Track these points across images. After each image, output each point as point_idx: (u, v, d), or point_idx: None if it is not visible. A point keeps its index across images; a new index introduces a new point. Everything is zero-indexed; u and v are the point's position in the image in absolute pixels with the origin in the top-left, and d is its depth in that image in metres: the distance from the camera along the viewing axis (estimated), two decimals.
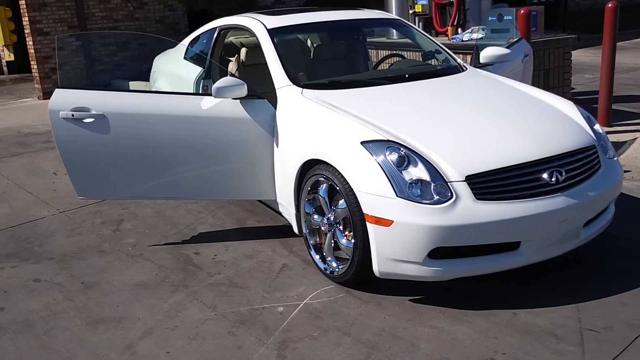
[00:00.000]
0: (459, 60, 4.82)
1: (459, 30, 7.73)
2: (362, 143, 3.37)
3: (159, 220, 4.80)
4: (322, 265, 3.72)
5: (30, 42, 11.29)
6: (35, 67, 11.46)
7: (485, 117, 3.71)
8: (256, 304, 3.49)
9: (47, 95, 11.11)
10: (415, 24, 8.56)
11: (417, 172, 3.23)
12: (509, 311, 3.28)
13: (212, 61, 5.13)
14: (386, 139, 3.36)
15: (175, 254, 4.19)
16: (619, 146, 6.02)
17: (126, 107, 4.02)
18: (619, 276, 3.57)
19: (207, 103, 4.04)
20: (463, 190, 3.20)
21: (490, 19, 7.21)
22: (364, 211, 3.29)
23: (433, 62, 4.97)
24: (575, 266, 3.70)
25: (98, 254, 4.26)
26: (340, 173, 3.42)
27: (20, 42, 12.42)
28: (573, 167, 3.46)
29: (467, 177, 3.22)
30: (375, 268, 3.34)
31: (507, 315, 3.24)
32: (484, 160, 3.29)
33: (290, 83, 4.12)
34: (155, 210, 4.99)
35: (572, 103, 4.03)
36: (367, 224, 3.28)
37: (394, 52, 6.20)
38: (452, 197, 3.18)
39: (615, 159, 3.83)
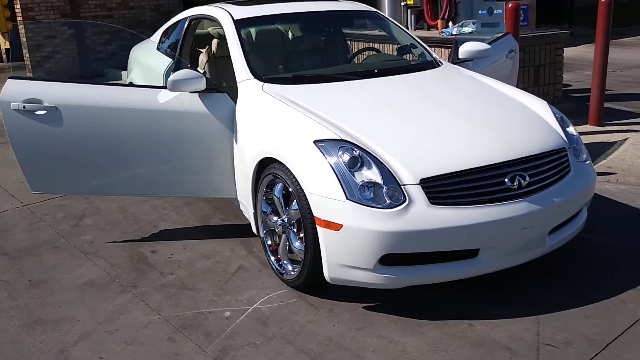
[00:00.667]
0: (434, 56, 4.63)
1: (450, 23, 7.52)
2: (315, 142, 3.20)
3: (121, 216, 4.66)
4: (277, 268, 3.57)
5: (22, 30, 11.17)
6: (27, 55, 11.34)
7: (450, 117, 3.53)
8: (203, 307, 3.33)
9: None
10: (407, 17, 8.37)
11: (370, 174, 3.06)
12: (466, 322, 3.11)
13: (177, 54, 4.96)
14: (340, 138, 3.19)
15: (131, 252, 4.04)
16: (608, 147, 5.81)
17: (79, 99, 3.87)
18: (587, 287, 3.38)
19: (165, 96, 3.88)
20: (417, 194, 3.02)
21: (480, 12, 6.99)
22: (314, 214, 3.12)
23: (409, 56, 4.78)
24: (541, 275, 3.52)
25: (52, 250, 4.13)
26: (292, 173, 3.26)
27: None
28: (539, 171, 3.28)
29: (421, 180, 3.04)
30: (326, 273, 3.17)
31: (462, 327, 3.07)
32: (440, 163, 3.11)
33: (252, 77, 3.95)
34: (120, 205, 4.85)
35: (545, 103, 3.84)
36: (317, 227, 3.12)
37: (369, 45, 6.00)
38: (405, 201, 3.00)
39: (588, 162, 3.63)
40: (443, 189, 3.06)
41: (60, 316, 3.31)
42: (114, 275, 3.74)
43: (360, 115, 3.52)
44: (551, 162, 3.36)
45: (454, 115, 3.54)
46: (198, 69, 5.01)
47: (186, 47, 5.07)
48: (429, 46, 5.10)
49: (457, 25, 7.26)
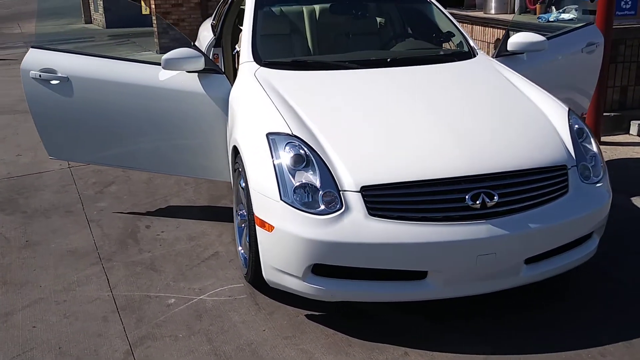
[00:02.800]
0: (472, 45, 4.14)
1: (552, 8, 6.75)
2: (267, 134, 3.01)
3: (144, 187, 4.78)
4: (241, 260, 3.45)
5: None
6: (154, 22, 12.02)
7: (431, 120, 3.13)
8: (154, 291, 3.31)
9: (163, 49, 11.60)
10: None
11: (309, 176, 2.81)
12: (402, 349, 2.79)
13: (218, 30, 4.91)
14: (291, 133, 2.96)
15: (128, 224, 4.13)
16: None
17: (88, 71, 3.96)
18: (574, 332, 2.88)
19: (165, 74, 3.86)
20: (356, 202, 2.73)
21: None
22: (254, 211, 2.95)
23: (449, 44, 4.33)
24: (524, 309, 3.05)
25: (64, 214, 4.34)
26: (244, 165, 3.10)
27: None
28: (515, 190, 2.82)
29: (362, 188, 2.74)
30: (264, 274, 3.00)
31: (395, 354, 2.75)
32: (388, 171, 2.78)
33: (251, 59, 3.80)
34: (149, 177, 4.97)
35: (566, 112, 3.28)
36: (256, 226, 2.95)
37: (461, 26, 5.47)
38: (341, 208, 2.73)
39: (601, 184, 3.06)
40: (385, 199, 2.74)
41: (28, 279, 3.47)
42: (99, 245, 3.85)
43: (334, 109, 3.25)
44: (538, 181, 2.88)
45: (436, 119, 3.13)
46: (236, 46, 4.95)
47: (229, 23, 5.01)
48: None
49: (558, 10, 6.50)
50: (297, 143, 2.91)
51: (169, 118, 3.90)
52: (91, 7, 19.14)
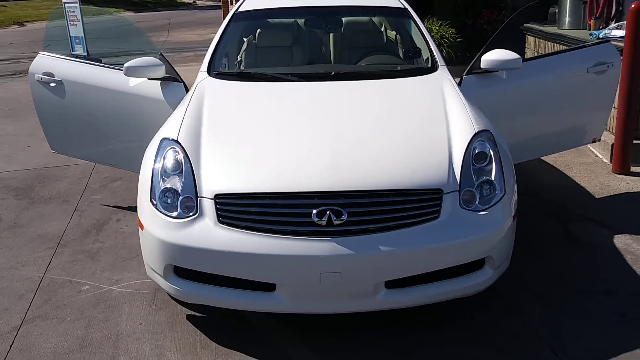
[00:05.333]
0: (436, 61, 3.99)
1: (611, 23, 6.19)
2: (162, 139, 3.19)
3: None
4: None
5: None
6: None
7: (326, 134, 3.12)
8: (77, 277, 3.62)
9: None
10: (581, 13, 7.13)
11: (176, 180, 2.94)
12: (249, 358, 2.82)
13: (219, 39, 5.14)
14: (175, 139, 3.11)
15: (104, 216, 4.50)
16: None
17: (77, 76, 4.39)
18: None
19: (134, 81, 4.18)
20: (209, 209, 2.81)
21: None
22: (138, 209, 3.14)
23: (416, 60, 4.21)
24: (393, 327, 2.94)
25: (61, 202, 4.82)
26: None
27: None
28: (370, 210, 2.74)
29: (216, 195, 2.81)
30: (146, 270, 3.17)
31: None
32: (243, 181, 2.83)
33: (205, 69, 4.01)
34: None
35: (471, 134, 3.08)
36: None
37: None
38: (194, 214, 2.83)
39: (484, 213, 2.85)
40: (236, 209, 2.79)
41: None
42: (67, 232, 4.25)
43: (238, 119, 3.36)
44: (401, 203, 2.77)
45: (328, 134, 3.10)
46: (238, 56, 5.16)
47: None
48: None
49: (611, 26, 5.95)
50: (177, 149, 3.06)
51: (136, 120, 4.21)
52: None
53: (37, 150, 6.18)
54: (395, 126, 3.24)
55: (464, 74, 4.08)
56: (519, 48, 8.54)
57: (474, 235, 2.81)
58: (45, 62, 4.53)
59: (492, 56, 3.97)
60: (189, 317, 3.17)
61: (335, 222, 2.69)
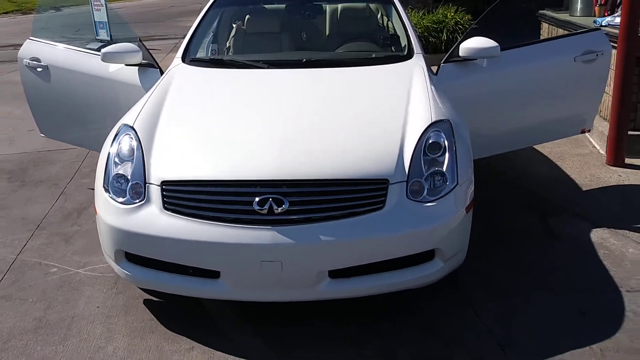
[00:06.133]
0: (413, 47, 3.93)
1: (617, 10, 5.98)
2: (122, 124, 3.21)
3: None
4: None
5: None
6: None
7: (280, 122, 3.12)
8: (49, 259, 3.69)
9: None
10: None
11: (127, 166, 2.97)
12: (192, 343, 2.85)
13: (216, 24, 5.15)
14: (131, 125, 3.14)
15: (88, 200, 4.56)
16: None
17: (61, 61, 4.46)
18: None
19: (113, 66, 4.22)
20: (156, 196, 2.83)
21: None
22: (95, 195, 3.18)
23: (394, 47, 4.15)
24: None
25: (50, 186, 4.92)
26: None
27: None
28: (312, 199, 2.72)
29: (162, 182, 2.83)
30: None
31: (182, 347, 2.82)
32: (190, 168, 2.85)
33: (180, 56, 4.02)
34: None
35: (426, 124, 3.02)
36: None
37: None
38: (141, 201, 2.85)
39: (433, 204, 2.80)
40: (181, 195, 2.80)
41: None
42: (48, 215, 4.33)
43: (198, 106, 3.38)
44: (344, 193, 2.74)
45: (285, 123, 3.10)
46: (227, 42, 5.16)
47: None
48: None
49: (617, 14, 5.75)
50: (132, 135, 3.08)
51: (115, 106, 4.23)
52: None
53: (39, 133, 6.30)
54: (353, 115, 3.21)
55: (442, 62, 4.01)
56: (537, 35, 8.35)
57: (419, 226, 2.76)
58: (33, 47, 4.61)
59: (471, 44, 3.90)
60: (145, 302, 3.21)
61: (276, 211, 2.68)
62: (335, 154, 2.86)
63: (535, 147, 5.28)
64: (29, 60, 4.58)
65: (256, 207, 2.69)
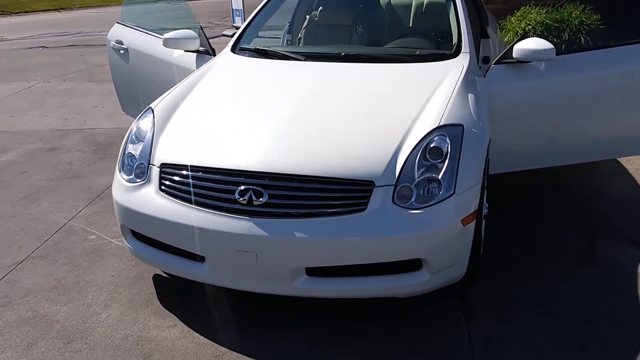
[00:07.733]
0: (462, 46, 3.73)
1: None
2: (149, 107, 3.39)
3: None
4: None
5: None
6: None
7: (288, 116, 3.12)
8: (92, 227, 3.97)
9: None
10: None
11: (138, 146, 3.13)
12: (175, 321, 2.96)
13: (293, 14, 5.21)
14: (152, 108, 3.30)
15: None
16: None
17: (137, 44, 4.79)
18: None
19: (177, 51, 4.44)
20: (155, 177, 2.97)
21: None
22: None
23: (444, 45, 3.95)
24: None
25: (64, 166, 5.14)
26: None
27: None
28: (292, 194, 2.70)
29: (161, 164, 2.96)
30: None
31: (165, 323, 2.94)
32: (187, 153, 2.95)
33: (231, 45, 4.14)
34: None
35: (429, 129, 2.87)
36: None
37: None
38: (143, 180, 3.00)
39: (419, 212, 2.65)
40: (175, 178, 2.91)
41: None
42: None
43: (224, 94, 3.48)
44: (325, 191, 2.69)
45: (292, 117, 3.09)
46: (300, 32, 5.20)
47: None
48: None
49: None
50: (150, 117, 3.24)
51: None
52: None
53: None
54: (364, 115, 3.13)
55: (492, 62, 3.76)
56: None
57: (400, 233, 2.64)
58: (119, 31, 4.99)
59: (526, 45, 3.61)
60: (155, 277, 3.37)
61: (255, 202, 2.70)
62: (323, 152, 2.81)
63: (620, 160, 4.79)
64: (114, 43, 4.95)
65: (237, 197, 2.72)
